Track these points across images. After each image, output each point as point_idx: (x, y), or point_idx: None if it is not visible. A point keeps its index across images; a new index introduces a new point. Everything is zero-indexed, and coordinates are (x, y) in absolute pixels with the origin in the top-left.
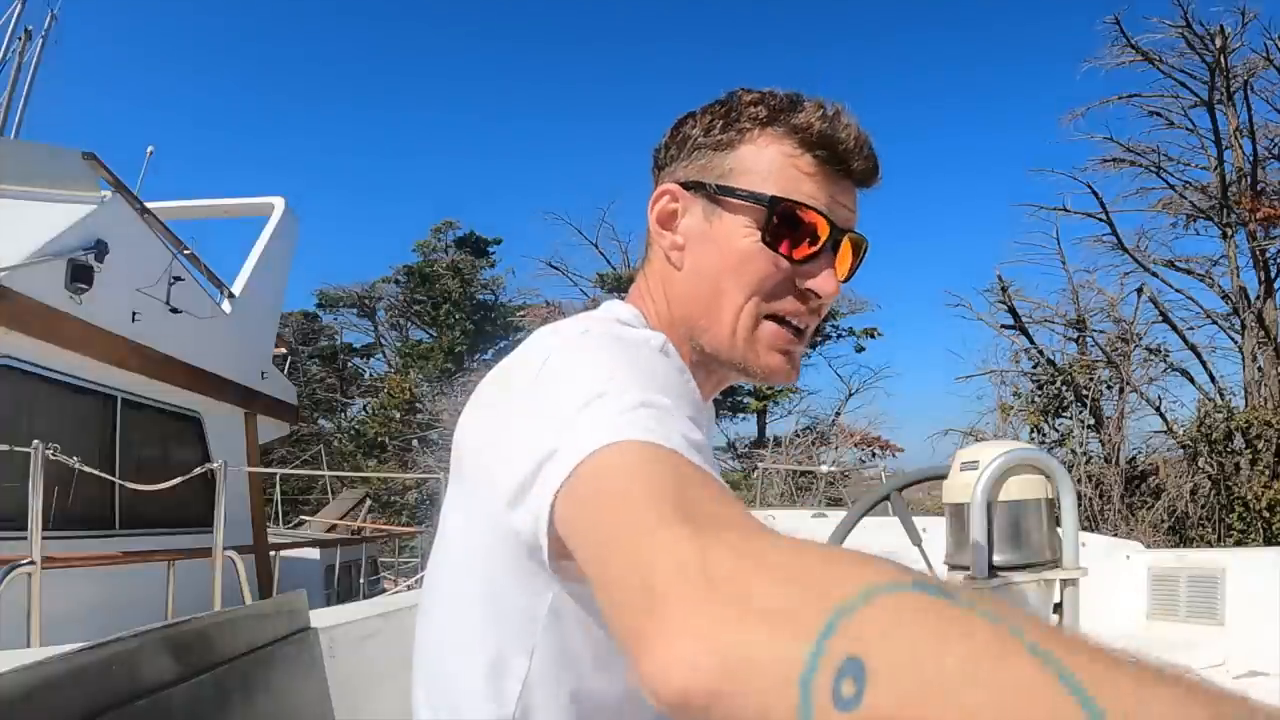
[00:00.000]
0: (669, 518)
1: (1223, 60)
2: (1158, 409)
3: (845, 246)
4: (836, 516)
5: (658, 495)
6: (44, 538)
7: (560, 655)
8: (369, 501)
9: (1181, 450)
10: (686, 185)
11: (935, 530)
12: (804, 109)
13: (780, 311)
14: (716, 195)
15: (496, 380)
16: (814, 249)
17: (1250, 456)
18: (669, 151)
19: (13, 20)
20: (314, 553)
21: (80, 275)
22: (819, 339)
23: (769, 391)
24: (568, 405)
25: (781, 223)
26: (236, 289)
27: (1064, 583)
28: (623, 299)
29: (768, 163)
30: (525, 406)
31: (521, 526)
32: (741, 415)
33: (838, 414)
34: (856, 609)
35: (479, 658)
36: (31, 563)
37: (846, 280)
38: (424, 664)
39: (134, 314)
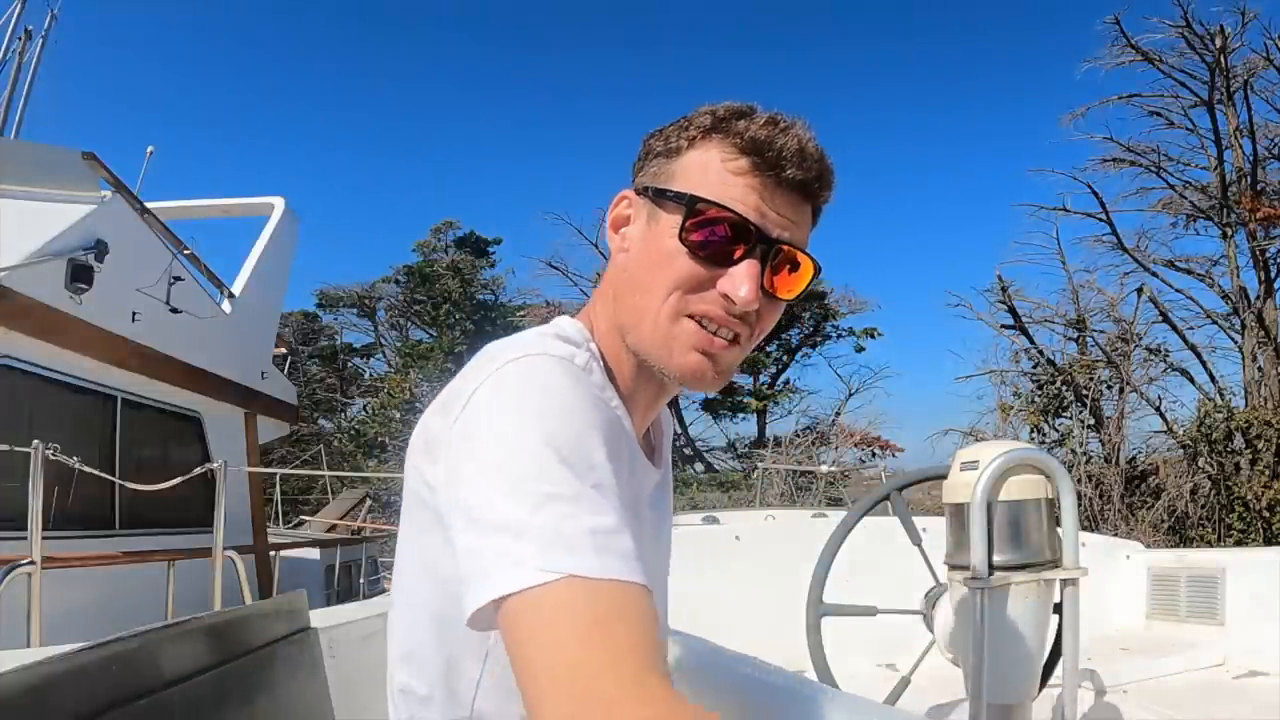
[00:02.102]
0: (549, 707)
1: (1223, 60)
2: (1158, 409)
3: (784, 259)
4: (836, 516)
5: (545, 678)
6: (44, 538)
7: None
8: (369, 501)
9: (1181, 450)
10: (638, 191)
11: (935, 530)
12: (745, 118)
13: (699, 312)
14: (654, 198)
15: (442, 409)
16: (731, 252)
17: (1250, 456)
18: (636, 164)
19: (13, 20)
20: (314, 553)
21: (80, 275)
22: (819, 339)
23: (769, 392)
24: (492, 495)
25: (700, 223)
26: (236, 289)
27: (1064, 583)
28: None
29: (702, 165)
30: (459, 464)
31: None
32: (741, 415)
33: (838, 414)
34: None
35: (434, 662)
36: (31, 563)
37: (790, 299)
38: (390, 668)
39: (134, 314)
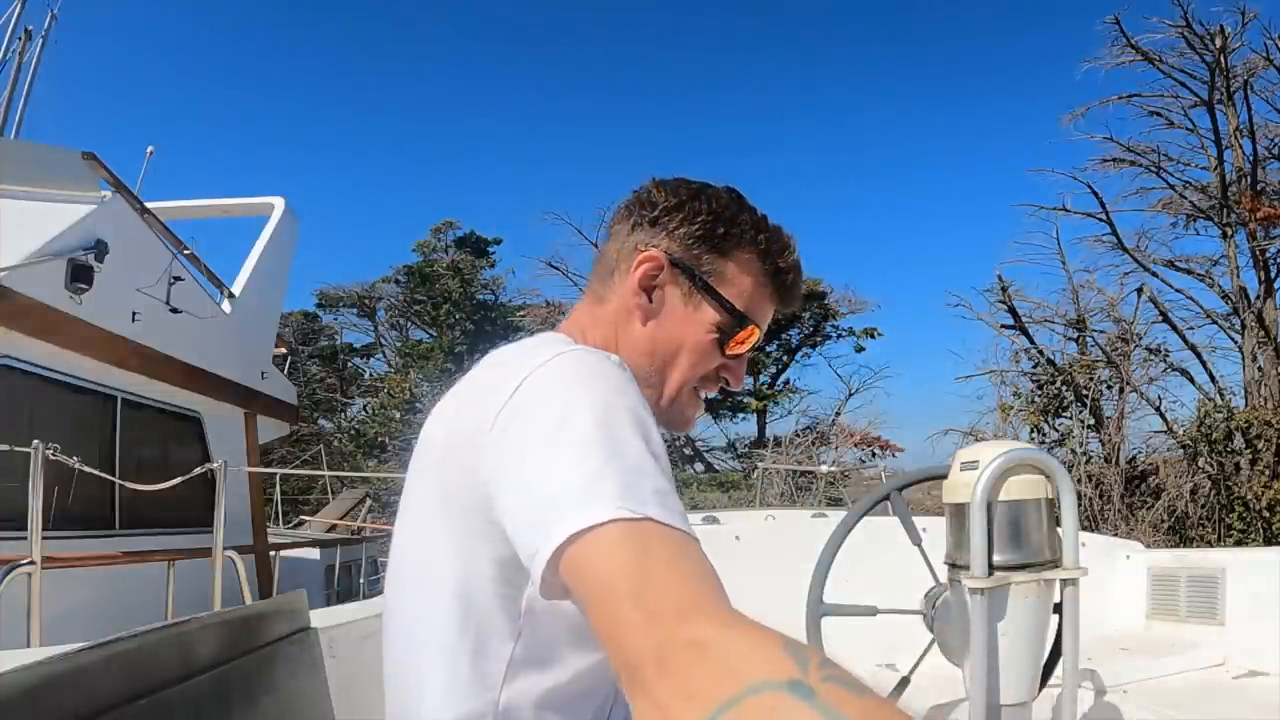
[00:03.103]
0: (640, 617)
1: (1223, 60)
2: (1158, 409)
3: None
4: (836, 516)
5: (635, 593)
6: (44, 538)
7: (540, 637)
8: (369, 501)
9: (1181, 450)
10: (674, 263)
11: (935, 530)
12: (785, 252)
13: (703, 387)
14: (701, 289)
15: (473, 405)
16: (744, 352)
17: (1250, 456)
18: (663, 213)
19: (13, 20)
20: (314, 553)
21: (80, 275)
22: (819, 339)
23: (769, 392)
24: (562, 454)
25: (736, 331)
26: (236, 289)
27: (1064, 583)
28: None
29: (748, 284)
30: (519, 438)
31: (514, 551)
32: (742, 415)
33: (838, 414)
34: (731, 708)
35: (458, 648)
36: (31, 563)
37: None
38: (397, 664)
39: (134, 314)
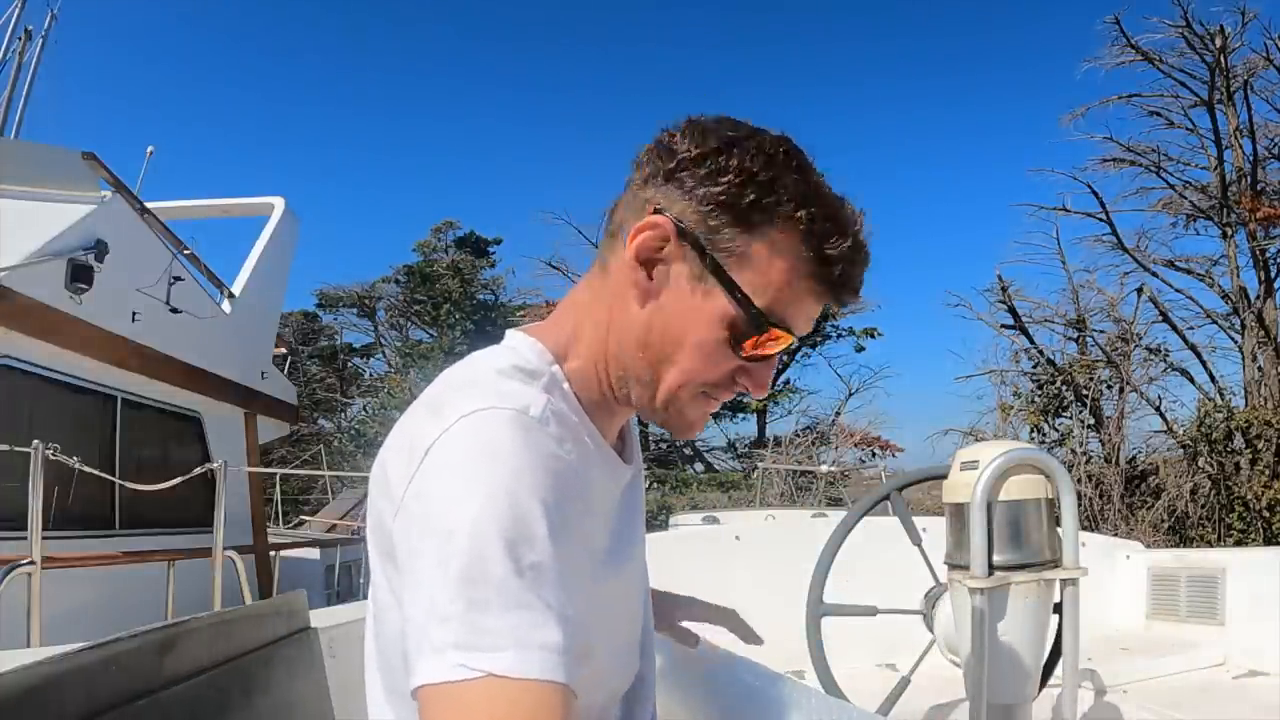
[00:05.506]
0: None
1: (1223, 60)
2: (1158, 409)
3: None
4: (836, 516)
5: None
6: (44, 538)
7: None
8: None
9: (1181, 450)
10: (683, 233)
11: (935, 530)
12: (835, 235)
13: (713, 392)
14: (714, 272)
15: (406, 455)
16: (770, 354)
17: (1250, 456)
18: (681, 167)
19: (13, 20)
20: (314, 553)
21: (80, 275)
22: (819, 339)
23: (769, 391)
24: (429, 577)
25: (753, 333)
26: (236, 289)
27: (1064, 583)
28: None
29: (780, 273)
30: (409, 533)
31: None
32: (741, 415)
33: (838, 414)
34: None
35: (410, 701)
36: (31, 563)
37: None
38: (377, 700)
39: (134, 314)
